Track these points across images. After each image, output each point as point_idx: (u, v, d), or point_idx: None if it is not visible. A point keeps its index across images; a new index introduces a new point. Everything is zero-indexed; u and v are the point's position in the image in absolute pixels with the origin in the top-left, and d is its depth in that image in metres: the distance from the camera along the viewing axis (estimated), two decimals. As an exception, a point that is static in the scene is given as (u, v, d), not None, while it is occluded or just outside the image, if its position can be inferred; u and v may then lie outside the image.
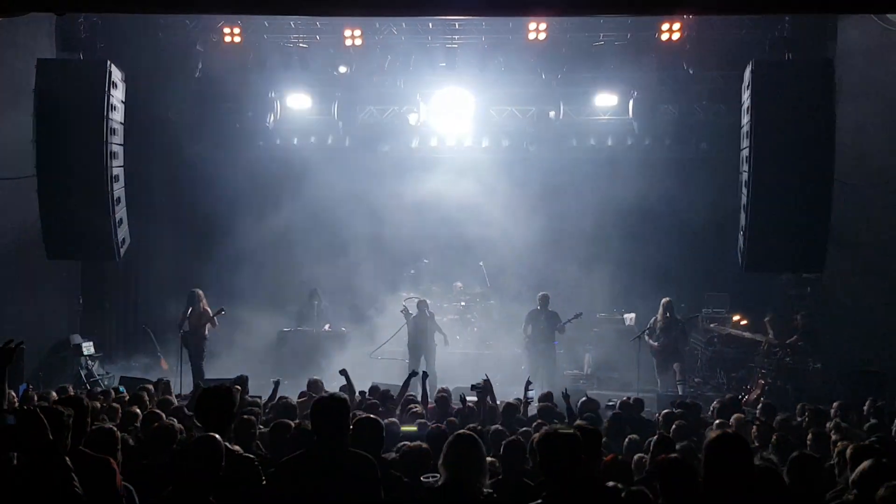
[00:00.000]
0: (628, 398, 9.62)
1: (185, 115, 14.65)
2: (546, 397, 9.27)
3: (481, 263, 15.71)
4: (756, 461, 4.83)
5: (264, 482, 4.60)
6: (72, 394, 8.49)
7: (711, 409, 9.34)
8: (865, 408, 9.15)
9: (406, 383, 9.65)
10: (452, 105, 14.93)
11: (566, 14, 10.83)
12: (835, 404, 9.07)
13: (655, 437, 6.47)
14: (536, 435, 4.55)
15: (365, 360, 13.51)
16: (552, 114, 15.16)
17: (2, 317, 11.65)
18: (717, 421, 8.31)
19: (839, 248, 12.48)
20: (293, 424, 6.59)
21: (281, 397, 8.80)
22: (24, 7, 7.54)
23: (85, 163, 11.92)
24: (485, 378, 8.81)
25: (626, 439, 7.21)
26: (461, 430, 4.53)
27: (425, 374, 10.38)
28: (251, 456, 4.88)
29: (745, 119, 12.18)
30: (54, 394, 9.00)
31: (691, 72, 14.01)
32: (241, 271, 15.01)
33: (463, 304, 15.60)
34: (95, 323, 14.93)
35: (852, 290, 13.26)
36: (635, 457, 6.52)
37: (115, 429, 5.35)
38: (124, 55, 13.05)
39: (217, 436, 4.29)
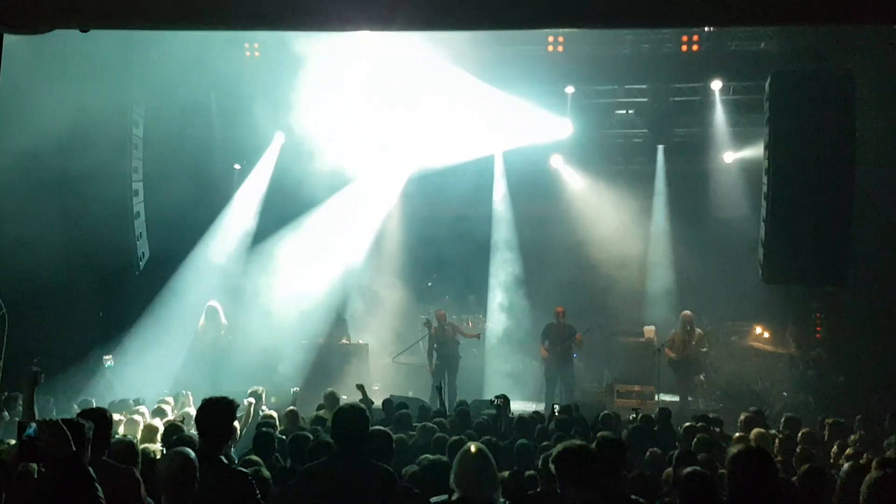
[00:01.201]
0: (650, 412, 9.57)
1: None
2: (565, 410, 9.25)
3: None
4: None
5: (258, 496, 4.59)
6: (94, 406, 8.54)
7: (739, 422, 9.26)
8: (886, 421, 9.06)
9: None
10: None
11: (581, 26, 10.78)
12: (857, 418, 8.98)
13: (677, 452, 6.42)
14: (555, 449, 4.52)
15: (385, 372, 13.54)
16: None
17: (26, 330, 11.77)
18: (738, 434, 8.24)
19: (861, 261, 12.36)
20: (311, 436, 6.62)
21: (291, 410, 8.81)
22: (49, 23, 7.60)
23: (109, 178, 12.03)
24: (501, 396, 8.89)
25: (648, 453, 7.16)
26: (472, 445, 4.49)
27: (439, 388, 10.47)
28: (245, 470, 4.87)
29: (766, 130, 12.15)
30: (75, 407, 9.07)
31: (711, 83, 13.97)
32: (262, 282, 15.07)
33: (481, 315, 15.62)
34: (116, 336, 14.99)
35: (875, 302, 13.13)
36: (665, 472, 6.46)
37: (136, 441, 5.38)
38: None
39: (188, 452, 4.25)
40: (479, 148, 15.31)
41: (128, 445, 5.24)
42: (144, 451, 5.71)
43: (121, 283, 15.07)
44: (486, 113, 14.35)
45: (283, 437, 7.25)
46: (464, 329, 14.51)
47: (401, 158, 15.65)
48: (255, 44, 13.63)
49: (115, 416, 7.51)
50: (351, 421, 4.57)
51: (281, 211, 15.50)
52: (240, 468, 5.05)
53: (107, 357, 13.63)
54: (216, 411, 4.77)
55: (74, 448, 3.76)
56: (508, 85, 13.81)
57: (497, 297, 15.78)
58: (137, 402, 9.79)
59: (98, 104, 11.91)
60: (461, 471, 4.34)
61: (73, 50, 10.93)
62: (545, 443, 7.20)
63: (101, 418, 4.81)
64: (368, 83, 13.98)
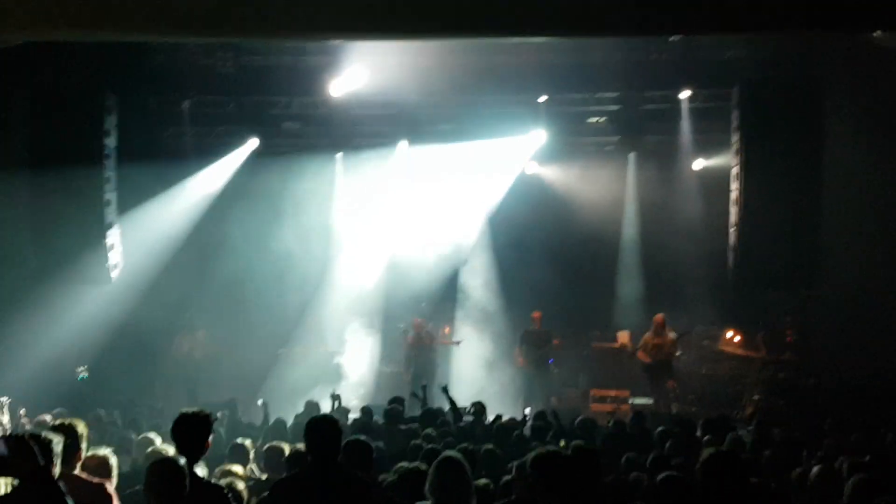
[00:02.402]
0: (625, 416, 9.65)
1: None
2: (540, 416, 9.29)
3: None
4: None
5: None
6: (65, 418, 8.46)
7: (705, 425, 9.34)
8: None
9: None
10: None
11: (554, 35, 10.87)
12: (827, 420, 9.13)
13: (651, 456, 6.49)
14: (529, 455, 4.56)
15: (366, 379, 13.56)
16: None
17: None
18: (706, 437, 8.33)
19: (830, 265, 12.55)
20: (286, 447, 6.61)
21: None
22: (21, 34, 7.62)
23: (79, 188, 11.94)
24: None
25: (623, 458, 7.22)
26: (447, 453, 4.48)
27: (415, 395, 10.49)
28: (220, 485, 4.88)
29: (734, 137, 12.31)
30: (48, 418, 8.98)
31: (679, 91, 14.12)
32: (238, 293, 15.00)
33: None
34: (88, 346, 14.86)
35: (843, 305, 13.34)
36: (632, 475, 6.53)
37: (109, 455, 5.34)
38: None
39: (179, 459, 4.29)
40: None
41: (101, 459, 5.21)
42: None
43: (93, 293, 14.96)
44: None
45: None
46: (442, 337, 14.51)
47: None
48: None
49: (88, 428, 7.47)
50: (324, 431, 4.60)
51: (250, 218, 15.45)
52: (215, 483, 5.04)
53: (79, 367, 13.51)
54: (192, 425, 4.78)
55: (43, 462, 3.74)
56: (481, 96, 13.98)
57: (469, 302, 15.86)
58: (110, 413, 9.71)
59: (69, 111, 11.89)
60: (436, 479, 4.36)
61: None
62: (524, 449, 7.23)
63: (71, 432, 4.78)
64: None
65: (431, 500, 4.32)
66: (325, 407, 10.01)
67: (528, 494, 4.39)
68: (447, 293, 15.62)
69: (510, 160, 15.43)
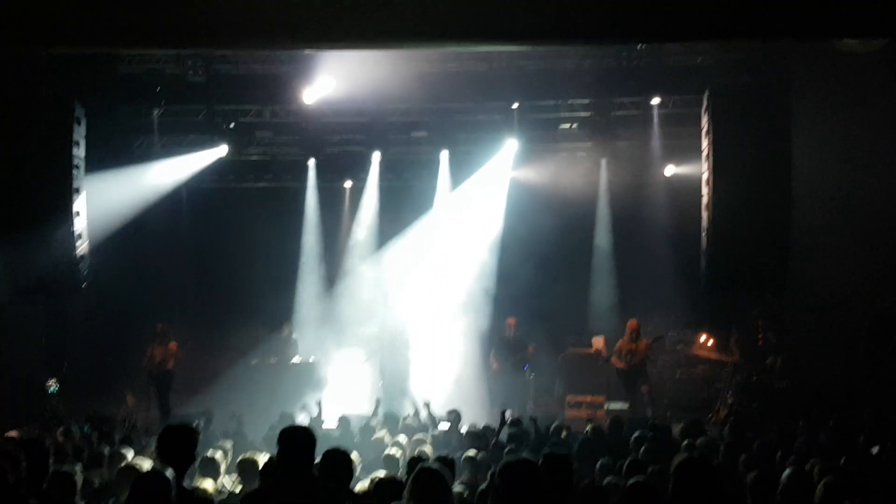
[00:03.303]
0: (601, 422, 9.67)
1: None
2: (516, 423, 9.30)
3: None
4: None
5: None
6: (35, 433, 8.37)
7: (679, 430, 9.40)
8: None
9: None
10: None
11: (524, 44, 10.90)
12: (800, 423, 9.20)
13: (626, 462, 6.51)
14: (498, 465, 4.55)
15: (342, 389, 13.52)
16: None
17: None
18: (685, 443, 8.36)
19: (800, 268, 12.67)
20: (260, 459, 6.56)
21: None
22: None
23: (48, 198, 11.77)
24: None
25: (598, 463, 7.22)
26: (424, 464, 4.46)
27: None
28: (208, 499, 4.84)
29: (705, 143, 12.38)
30: (14, 433, 8.86)
31: (649, 97, 14.20)
32: (211, 303, 14.93)
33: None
34: (59, 359, 14.69)
35: (814, 308, 13.47)
36: (605, 480, 6.53)
37: (76, 471, 5.28)
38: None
39: (166, 471, 4.25)
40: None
41: (65, 476, 5.14)
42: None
43: (63, 305, 14.80)
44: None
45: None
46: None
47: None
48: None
49: (59, 443, 7.37)
50: (297, 442, 4.53)
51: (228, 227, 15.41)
52: (202, 496, 5.01)
53: (49, 381, 13.34)
54: (179, 437, 4.75)
55: (11, 481, 3.70)
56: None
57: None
58: (81, 428, 9.59)
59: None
60: (413, 489, 4.33)
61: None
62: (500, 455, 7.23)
63: (37, 447, 4.73)
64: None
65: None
66: (304, 418, 10.02)
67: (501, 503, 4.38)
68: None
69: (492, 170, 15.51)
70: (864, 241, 12.68)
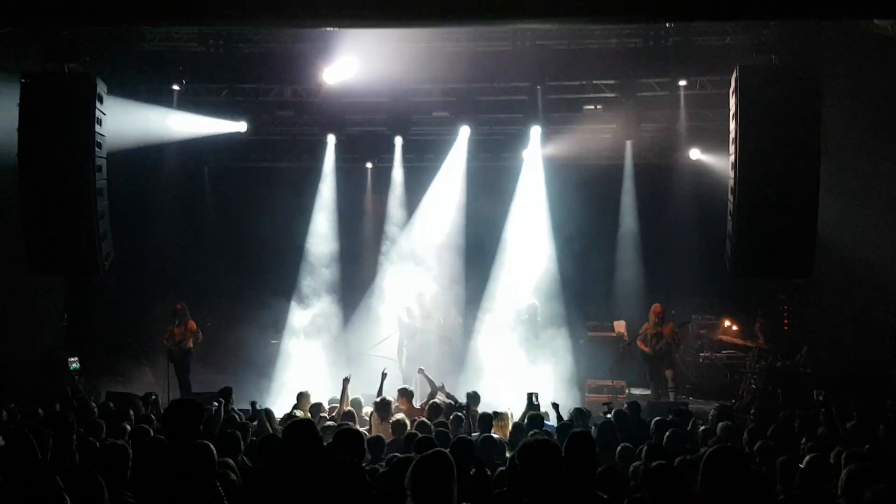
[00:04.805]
0: (621, 406, 9.59)
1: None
2: (534, 407, 9.22)
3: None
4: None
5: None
6: (57, 410, 8.41)
7: (710, 416, 9.29)
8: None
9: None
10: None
11: (546, 22, 10.73)
12: (822, 410, 9.08)
13: (646, 446, 6.42)
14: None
15: (358, 369, 13.48)
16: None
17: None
18: (703, 428, 8.26)
19: (827, 253, 12.49)
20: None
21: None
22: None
23: (70, 176, 11.78)
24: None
25: (619, 447, 7.14)
26: (429, 452, 4.22)
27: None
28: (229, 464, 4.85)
29: (732, 125, 12.18)
30: (40, 411, 8.91)
31: (677, 78, 13.98)
32: (231, 282, 14.96)
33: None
34: (81, 337, 14.79)
35: (840, 293, 13.28)
36: (631, 466, 6.44)
37: (127, 444, 5.29)
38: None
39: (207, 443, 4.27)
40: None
41: (120, 449, 5.17)
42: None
43: (85, 283, 14.88)
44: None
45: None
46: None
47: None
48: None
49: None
50: (301, 439, 4.46)
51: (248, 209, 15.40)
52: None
53: (71, 359, 13.43)
54: (184, 413, 4.75)
55: (41, 457, 3.68)
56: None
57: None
58: (105, 405, 9.63)
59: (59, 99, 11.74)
60: (414, 475, 4.02)
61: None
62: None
63: (62, 423, 4.73)
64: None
65: (409, 496, 4.14)
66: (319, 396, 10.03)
67: (520, 485, 4.30)
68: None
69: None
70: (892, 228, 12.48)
